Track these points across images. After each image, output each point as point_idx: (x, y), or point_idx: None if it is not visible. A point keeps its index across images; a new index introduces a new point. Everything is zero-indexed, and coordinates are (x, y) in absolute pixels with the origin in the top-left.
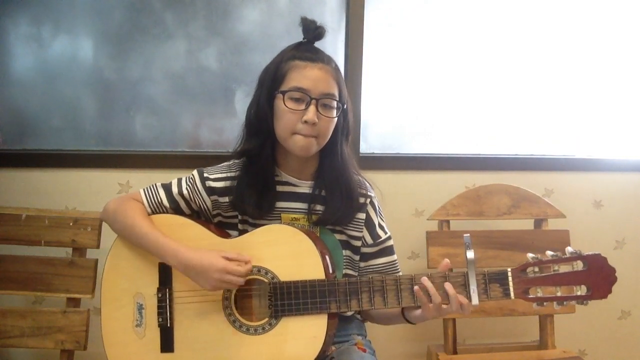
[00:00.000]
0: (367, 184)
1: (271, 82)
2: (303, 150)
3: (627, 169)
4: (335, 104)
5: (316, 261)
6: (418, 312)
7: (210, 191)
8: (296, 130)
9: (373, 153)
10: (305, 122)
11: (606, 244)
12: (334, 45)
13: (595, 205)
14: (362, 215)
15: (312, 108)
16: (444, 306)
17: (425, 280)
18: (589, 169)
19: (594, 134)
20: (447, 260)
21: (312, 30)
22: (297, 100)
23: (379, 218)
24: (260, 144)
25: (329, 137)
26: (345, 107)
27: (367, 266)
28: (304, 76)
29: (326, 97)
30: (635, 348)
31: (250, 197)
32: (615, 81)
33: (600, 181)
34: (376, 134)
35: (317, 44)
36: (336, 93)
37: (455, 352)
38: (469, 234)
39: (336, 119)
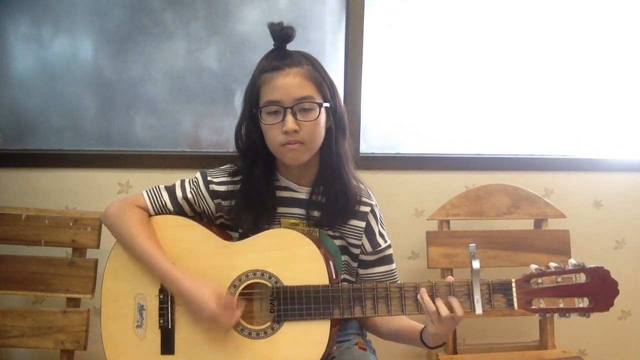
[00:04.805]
0: (369, 192)
1: (250, 101)
2: (293, 160)
3: (627, 169)
4: (313, 105)
5: (320, 266)
6: (430, 330)
7: (214, 195)
8: (282, 142)
9: (373, 153)
10: (286, 132)
11: (606, 244)
12: (334, 45)
13: (595, 205)
14: (362, 224)
15: (289, 118)
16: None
17: (422, 293)
18: (589, 169)
19: (594, 134)
20: (450, 277)
21: (279, 33)
22: (274, 113)
23: (379, 226)
24: (249, 165)
25: (318, 139)
26: (330, 104)
27: (366, 274)
28: (274, 88)
29: (301, 102)
30: (635, 348)
31: (245, 219)
32: (616, 81)
33: (600, 181)
34: (376, 134)
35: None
36: (312, 93)
37: (455, 352)
38: (474, 244)
39: (321, 119)
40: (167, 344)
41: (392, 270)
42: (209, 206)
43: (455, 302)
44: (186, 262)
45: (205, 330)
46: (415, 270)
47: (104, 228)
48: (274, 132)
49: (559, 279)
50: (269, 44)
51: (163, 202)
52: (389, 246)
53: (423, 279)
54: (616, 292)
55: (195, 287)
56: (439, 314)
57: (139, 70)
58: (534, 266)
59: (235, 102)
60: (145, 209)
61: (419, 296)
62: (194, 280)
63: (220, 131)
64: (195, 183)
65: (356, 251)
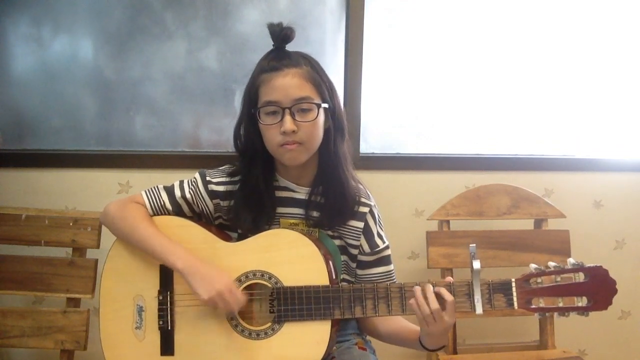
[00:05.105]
0: (368, 193)
1: (248, 101)
2: (291, 160)
3: (627, 169)
4: (312, 105)
5: (320, 266)
6: (424, 330)
7: (213, 195)
8: (280, 142)
9: (373, 153)
10: (284, 133)
11: (606, 244)
12: (334, 45)
13: (595, 205)
14: (360, 224)
15: (287, 118)
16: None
17: (416, 290)
18: (589, 169)
19: (594, 134)
20: (450, 278)
21: (278, 34)
22: (272, 113)
23: (378, 227)
24: (248, 165)
25: (316, 140)
26: (328, 105)
27: (364, 275)
28: (272, 88)
29: (299, 102)
30: (635, 348)
31: (245, 219)
32: (616, 81)
33: (600, 181)
34: (376, 134)
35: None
36: (311, 94)
37: (455, 352)
38: (474, 245)
39: (320, 120)
40: (167, 345)
41: (389, 271)
42: (207, 206)
43: (443, 291)
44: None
45: (207, 313)
46: (415, 270)
47: (104, 228)
48: (272, 133)
49: (558, 279)
50: (269, 44)
51: (162, 201)
52: (387, 247)
53: (423, 279)
54: (614, 291)
55: (206, 264)
56: (431, 311)
57: (139, 70)
58: (533, 266)
59: (235, 102)
60: (144, 208)
61: (412, 301)
62: (202, 259)
63: (220, 131)
64: (194, 183)
65: (354, 252)
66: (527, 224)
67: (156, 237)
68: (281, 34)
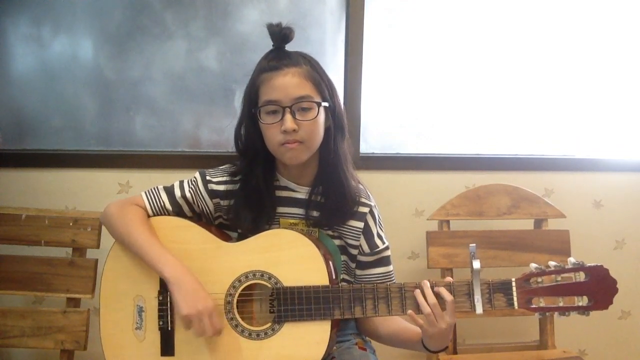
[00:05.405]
0: (369, 193)
1: (249, 101)
2: (292, 159)
3: (627, 169)
4: (312, 104)
5: (320, 266)
6: (426, 332)
7: (213, 194)
8: (281, 141)
9: (373, 153)
10: (285, 131)
11: (606, 244)
12: (334, 45)
13: (595, 205)
14: (360, 224)
15: (287, 117)
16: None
17: (416, 293)
18: (589, 169)
19: (594, 134)
20: (449, 278)
21: (277, 34)
22: (273, 113)
23: (378, 228)
24: (249, 164)
25: (317, 139)
26: (328, 104)
27: (363, 275)
28: (272, 87)
29: (300, 101)
30: (635, 348)
31: (245, 219)
32: (616, 81)
33: (600, 181)
34: (376, 134)
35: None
36: (311, 93)
37: (455, 352)
38: (474, 244)
39: (320, 119)
40: (167, 346)
41: (389, 272)
42: (207, 206)
43: (443, 290)
44: (185, 264)
45: (184, 326)
46: (415, 270)
47: (104, 228)
48: (273, 132)
49: (559, 278)
50: (269, 44)
51: (162, 202)
52: (386, 248)
53: (423, 279)
54: (615, 291)
55: (195, 281)
56: (430, 308)
57: (139, 70)
58: (533, 265)
59: (235, 102)
60: (144, 210)
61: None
62: (194, 276)
63: (220, 131)
64: (194, 182)
65: (354, 252)
66: (527, 224)
67: (149, 244)
68: (280, 34)
